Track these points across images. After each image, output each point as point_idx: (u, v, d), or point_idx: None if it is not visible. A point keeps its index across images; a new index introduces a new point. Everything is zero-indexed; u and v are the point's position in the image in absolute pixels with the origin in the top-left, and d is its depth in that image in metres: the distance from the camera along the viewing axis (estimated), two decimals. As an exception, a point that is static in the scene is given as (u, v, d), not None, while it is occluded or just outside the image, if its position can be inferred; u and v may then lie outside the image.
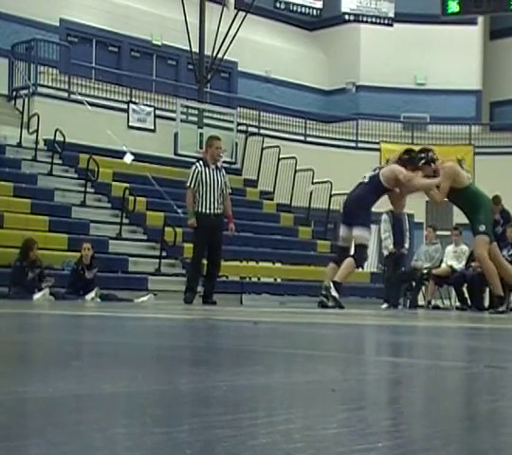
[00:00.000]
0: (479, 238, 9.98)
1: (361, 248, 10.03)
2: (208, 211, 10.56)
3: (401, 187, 10.07)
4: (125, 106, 19.27)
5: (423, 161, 9.90)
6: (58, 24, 21.09)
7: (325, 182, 19.25)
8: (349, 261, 9.97)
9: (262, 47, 25.50)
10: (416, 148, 10.82)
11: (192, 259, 11.05)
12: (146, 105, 19.76)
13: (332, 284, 9.87)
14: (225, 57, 20.74)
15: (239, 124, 21.02)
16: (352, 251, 10.13)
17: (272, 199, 20.03)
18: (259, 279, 16.06)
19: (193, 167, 10.83)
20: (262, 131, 21.88)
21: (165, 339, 4.02)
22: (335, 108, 26.48)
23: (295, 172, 20.09)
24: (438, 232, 15.59)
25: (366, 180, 10.15)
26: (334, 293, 9.80)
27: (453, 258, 14.42)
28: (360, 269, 18.73)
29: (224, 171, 11.05)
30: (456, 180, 9.95)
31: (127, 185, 15.65)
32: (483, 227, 9.97)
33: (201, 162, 10.82)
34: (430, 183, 9.95)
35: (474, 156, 23.93)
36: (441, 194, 9.96)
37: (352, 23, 25.67)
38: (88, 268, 12.24)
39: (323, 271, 17.33)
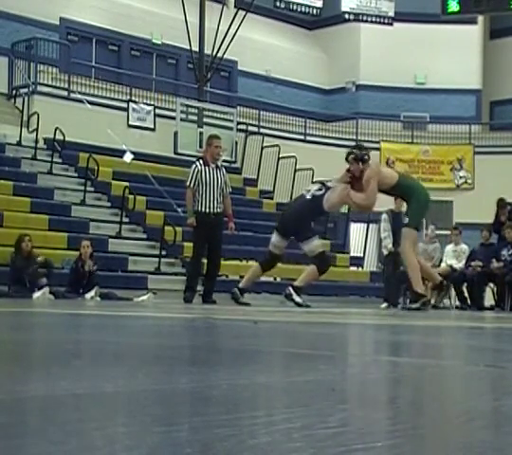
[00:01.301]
0: (404, 230, 9.90)
1: (321, 256, 10.01)
2: (207, 210, 10.55)
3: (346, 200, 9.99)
4: (125, 105, 19.26)
5: (352, 156, 9.75)
6: (58, 22, 21.08)
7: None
8: (312, 268, 9.98)
9: (262, 46, 25.49)
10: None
11: (192, 258, 11.05)
12: (146, 104, 19.75)
13: (292, 290, 9.89)
14: (225, 56, 20.73)
15: (239, 123, 21.02)
16: (315, 259, 10.02)
17: (272, 198, 20.02)
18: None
19: (193, 166, 10.82)
20: (262, 130, 21.88)
21: (165, 339, 4.02)
22: (335, 107, 26.47)
23: (295, 171, 20.08)
24: (438, 231, 15.60)
25: (308, 197, 9.92)
26: (297, 299, 9.83)
27: (453, 257, 14.42)
28: (360, 269, 18.81)
29: (224, 170, 11.04)
30: (381, 181, 9.73)
31: (127, 184, 15.65)
32: (407, 220, 9.88)
33: (201, 161, 10.81)
34: (360, 201, 9.73)
35: (474, 156, 23.93)
36: (368, 200, 9.74)
37: (352, 22, 25.65)
38: (88, 266, 12.21)
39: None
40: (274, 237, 10.21)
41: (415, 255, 10.12)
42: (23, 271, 11.70)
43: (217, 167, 10.82)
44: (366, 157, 9.67)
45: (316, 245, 10.03)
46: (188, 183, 10.69)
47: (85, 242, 12.42)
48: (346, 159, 9.77)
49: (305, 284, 10.13)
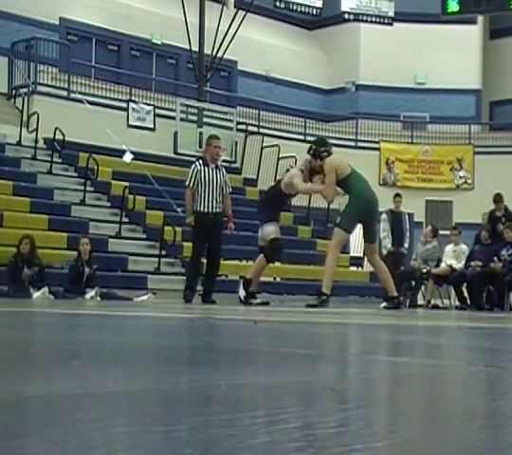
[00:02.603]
0: (334, 230, 10.05)
1: (272, 243, 10.09)
2: (206, 210, 10.57)
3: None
4: (125, 105, 19.26)
5: (311, 152, 9.79)
6: (58, 22, 21.08)
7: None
8: (260, 257, 10.25)
9: (261, 46, 25.49)
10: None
11: (191, 258, 11.05)
12: (146, 104, 19.75)
13: (242, 283, 10.18)
14: (224, 56, 20.72)
15: (239, 123, 21.01)
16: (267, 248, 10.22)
17: (272, 198, 19.99)
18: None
19: (193, 166, 10.84)
20: (261, 130, 21.88)
21: (164, 338, 4.02)
22: (334, 107, 26.48)
23: (295, 171, 20.06)
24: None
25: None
26: (240, 292, 10.04)
27: (452, 257, 14.42)
28: (360, 269, 18.80)
29: (224, 170, 11.06)
30: (337, 172, 9.64)
31: (127, 184, 15.64)
32: (338, 220, 9.97)
33: (201, 161, 10.83)
34: (309, 188, 10.16)
35: (474, 156, 23.93)
36: (329, 190, 9.79)
37: (352, 22, 25.65)
38: (87, 264, 12.19)
39: (323, 270, 17.36)
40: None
41: (336, 256, 10.17)
42: (20, 273, 11.69)
43: (217, 167, 10.83)
44: (324, 154, 9.68)
45: (270, 231, 10.15)
46: (187, 183, 10.70)
47: (84, 239, 12.37)
48: (307, 152, 9.88)
49: (255, 275, 10.32)
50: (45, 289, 11.46)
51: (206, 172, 10.63)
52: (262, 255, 10.18)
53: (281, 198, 10.41)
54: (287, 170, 10.79)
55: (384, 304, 10.48)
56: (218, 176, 10.72)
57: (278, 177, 10.72)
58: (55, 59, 19.21)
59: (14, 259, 11.81)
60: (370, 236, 10.19)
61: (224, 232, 10.94)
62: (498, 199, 14.53)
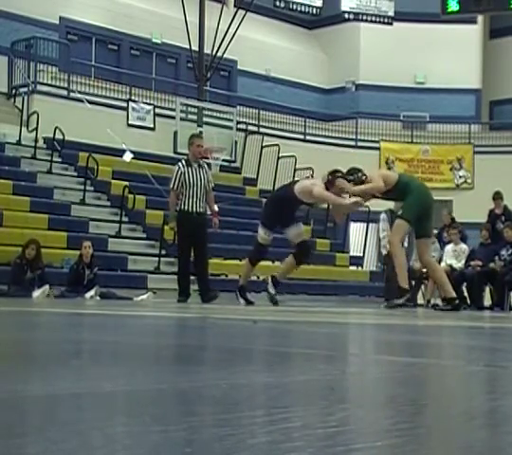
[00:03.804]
0: (396, 222, 9.89)
1: (301, 245, 10.00)
2: (191, 210, 10.46)
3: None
4: (125, 104, 19.26)
5: (352, 181, 9.74)
6: (57, 22, 21.07)
7: (325, 181, 19.22)
8: (289, 258, 10.08)
9: (261, 46, 25.49)
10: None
11: (178, 258, 10.92)
12: (146, 103, 19.75)
13: (270, 280, 10.07)
14: (224, 55, 20.71)
15: (238, 123, 21.01)
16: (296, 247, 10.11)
17: (272, 198, 20.00)
18: (258, 277, 16.05)
19: (176, 168, 10.70)
20: (261, 129, 21.87)
21: (164, 338, 4.02)
22: (334, 107, 26.47)
23: (294, 170, 20.07)
24: (437, 231, 15.58)
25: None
26: (271, 290, 9.97)
27: (452, 257, 14.42)
28: (360, 268, 18.80)
29: (206, 167, 10.97)
30: (386, 180, 9.69)
31: (126, 183, 15.64)
32: (401, 212, 9.84)
33: (183, 162, 10.75)
34: (331, 197, 9.75)
35: (474, 155, 23.94)
36: (347, 206, 9.72)
37: (352, 21, 25.65)
38: (88, 267, 12.23)
39: (323, 270, 17.39)
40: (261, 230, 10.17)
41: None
42: (24, 275, 11.68)
43: (200, 166, 10.75)
44: (363, 178, 9.69)
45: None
46: (171, 185, 10.59)
47: (86, 242, 12.41)
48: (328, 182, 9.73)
49: (283, 276, 10.22)
50: (46, 287, 11.46)
51: (190, 173, 10.53)
52: (291, 256, 10.02)
53: (294, 203, 10.05)
54: (307, 177, 10.54)
55: (442, 305, 10.46)
56: (202, 176, 10.64)
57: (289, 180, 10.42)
58: (55, 58, 19.20)
59: (19, 261, 11.77)
60: (427, 231, 10.07)
61: (210, 231, 10.86)
62: (496, 197, 14.66)
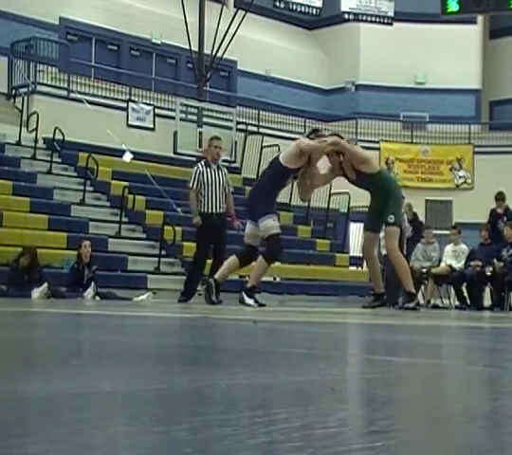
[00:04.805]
0: (389, 229, 9.63)
1: (272, 239, 9.26)
2: (211, 211, 10.56)
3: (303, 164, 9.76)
4: (125, 105, 19.25)
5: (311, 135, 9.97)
6: (57, 22, 21.07)
7: (325, 181, 19.22)
8: (260, 260, 9.36)
9: (261, 46, 25.49)
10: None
11: (195, 258, 10.94)
12: (145, 104, 19.74)
13: (244, 294, 9.37)
14: (224, 56, 20.72)
15: (238, 123, 21.01)
16: (265, 247, 9.46)
17: (271, 198, 19.99)
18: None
19: (195, 168, 10.89)
20: (261, 130, 21.87)
21: (164, 338, 4.02)
22: (334, 107, 26.47)
23: (294, 170, 20.05)
24: (437, 231, 15.61)
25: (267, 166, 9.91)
26: (249, 301, 9.24)
27: (452, 257, 14.43)
28: (359, 269, 18.80)
29: (225, 170, 11.09)
30: (371, 163, 9.72)
31: (126, 183, 15.64)
32: (392, 218, 9.58)
33: (203, 162, 10.89)
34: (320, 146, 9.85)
35: (474, 156, 23.94)
36: (324, 177, 10.02)
37: (351, 22, 25.64)
38: (88, 266, 12.24)
39: (322, 270, 17.39)
40: (247, 226, 9.65)
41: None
42: (21, 278, 11.67)
43: (219, 167, 10.87)
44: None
45: (270, 225, 9.24)
46: (190, 185, 10.71)
47: (86, 242, 12.43)
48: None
49: (256, 282, 9.53)
50: (45, 285, 11.44)
51: (208, 174, 10.65)
52: (262, 258, 9.33)
53: (281, 176, 9.49)
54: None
55: (370, 301, 10.47)
56: (220, 177, 10.75)
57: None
58: (55, 59, 19.19)
59: (16, 265, 11.75)
60: (380, 227, 10.08)
61: (231, 232, 10.93)
62: (499, 197, 14.68)
